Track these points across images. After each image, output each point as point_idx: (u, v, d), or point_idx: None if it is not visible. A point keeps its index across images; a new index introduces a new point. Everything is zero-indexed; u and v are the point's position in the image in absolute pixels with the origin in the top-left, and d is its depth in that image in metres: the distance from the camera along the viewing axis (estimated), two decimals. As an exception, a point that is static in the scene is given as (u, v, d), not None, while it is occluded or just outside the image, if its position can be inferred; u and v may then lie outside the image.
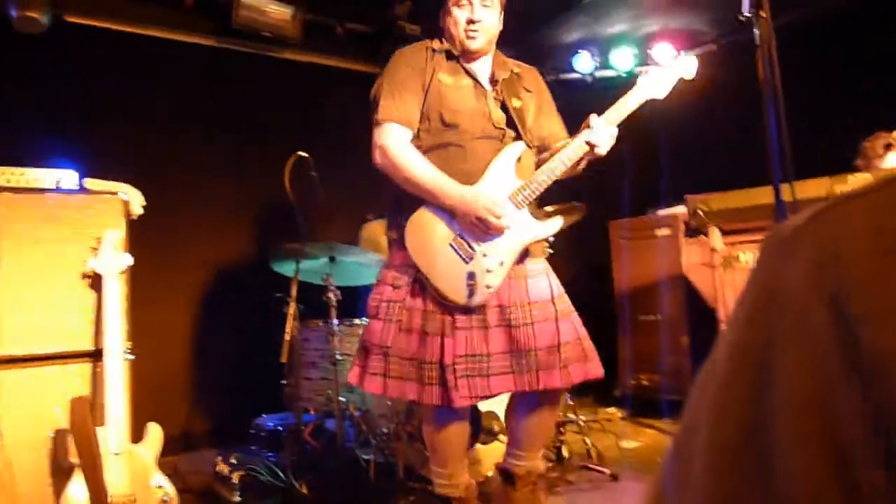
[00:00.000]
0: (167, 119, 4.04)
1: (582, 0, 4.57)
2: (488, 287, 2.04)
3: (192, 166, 4.08)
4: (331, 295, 3.23)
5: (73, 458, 2.42)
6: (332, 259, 3.31)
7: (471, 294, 2.02)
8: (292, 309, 3.07)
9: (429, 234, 2.08)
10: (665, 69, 2.18)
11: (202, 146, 4.13)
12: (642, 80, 2.18)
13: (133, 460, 2.51)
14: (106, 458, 2.40)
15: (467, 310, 2.05)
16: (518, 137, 2.18)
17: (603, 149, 2.09)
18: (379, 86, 2.20)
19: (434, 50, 2.24)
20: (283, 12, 4.19)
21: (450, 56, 2.24)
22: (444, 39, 2.28)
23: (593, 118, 2.12)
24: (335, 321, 3.25)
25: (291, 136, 3.91)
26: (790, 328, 0.34)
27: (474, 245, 2.07)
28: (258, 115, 4.34)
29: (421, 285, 2.08)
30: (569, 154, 2.09)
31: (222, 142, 4.21)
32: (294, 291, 3.07)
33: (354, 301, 4.06)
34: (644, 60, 5.30)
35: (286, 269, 3.31)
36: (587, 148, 2.09)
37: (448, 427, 2.19)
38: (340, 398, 3.20)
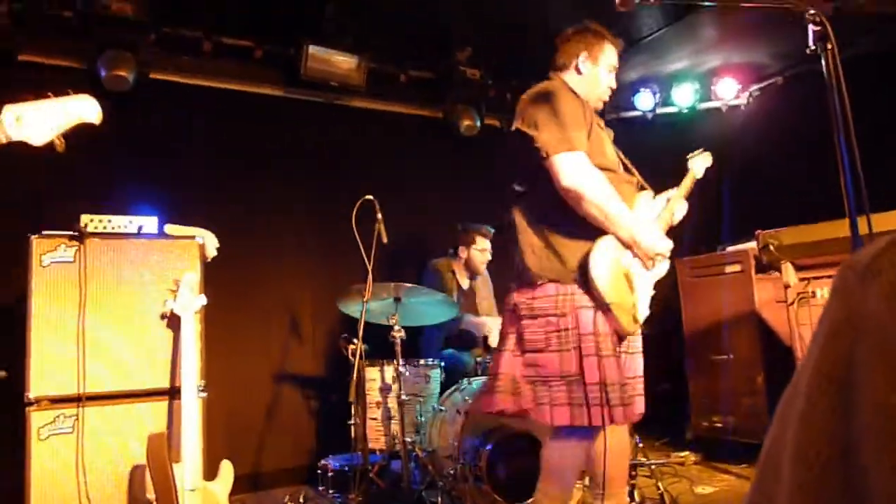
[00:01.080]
0: (241, 166, 4.23)
1: (641, 39, 4.57)
2: (643, 316, 2.27)
3: (264, 211, 4.25)
4: (395, 335, 3.27)
5: (150, 494, 2.50)
6: (397, 300, 3.36)
7: (635, 321, 2.21)
8: (359, 349, 3.11)
9: (610, 263, 2.16)
10: (703, 157, 2.70)
11: (274, 192, 4.30)
12: (692, 163, 2.67)
13: (206, 497, 2.58)
14: (181, 495, 2.47)
15: (623, 336, 2.20)
16: (640, 185, 2.47)
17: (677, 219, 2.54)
18: (545, 115, 2.22)
19: (577, 94, 2.36)
20: (348, 62, 4.36)
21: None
22: (567, 84, 2.40)
23: (671, 192, 2.56)
24: (401, 361, 3.27)
25: (358, 180, 4.03)
26: (873, 348, 0.34)
27: (634, 277, 2.23)
28: (327, 162, 4.50)
29: (587, 311, 2.14)
30: (665, 216, 2.46)
31: (293, 187, 4.37)
32: (361, 332, 3.12)
33: (417, 341, 4.10)
34: (706, 96, 5.25)
35: (353, 309, 3.38)
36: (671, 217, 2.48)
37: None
38: (406, 438, 3.20)
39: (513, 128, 2.31)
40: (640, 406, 2.27)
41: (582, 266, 2.13)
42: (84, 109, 1.75)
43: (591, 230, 2.17)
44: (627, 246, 2.20)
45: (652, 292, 2.37)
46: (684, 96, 5.25)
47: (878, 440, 0.32)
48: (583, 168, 2.14)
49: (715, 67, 5.11)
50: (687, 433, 4.41)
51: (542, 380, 2.17)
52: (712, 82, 5.21)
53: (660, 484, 3.27)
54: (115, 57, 3.68)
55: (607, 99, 2.50)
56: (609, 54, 2.46)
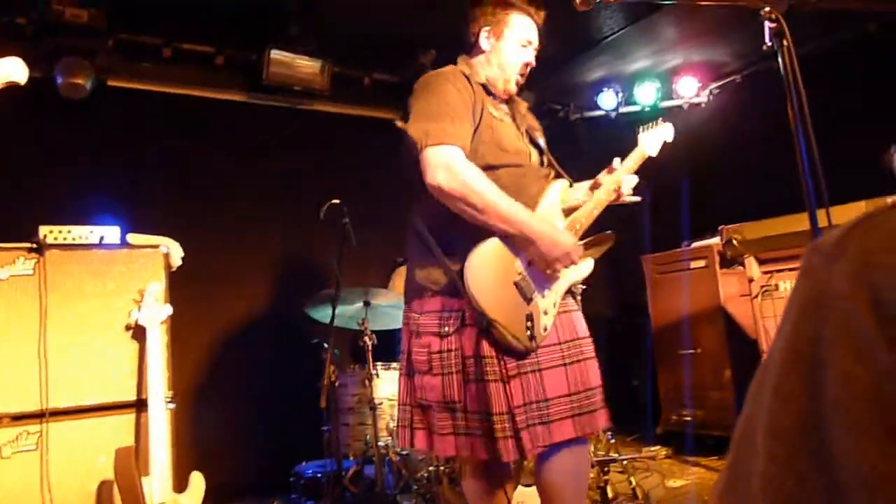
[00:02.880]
0: (204, 173, 4.18)
1: (603, 39, 4.63)
2: (545, 330, 1.89)
3: (229, 217, 4.19)
4: (366, 339, 3.25)
5: (119, 510, 2.44)
6: (366, 304, 3.34)
7: (531, 338, 1.85)
8: (329, 354, 3.09)
9: (494, 271, 1.86)
10: (657, 131, 2.29)
11: (238, 198, 4.25)
12: (641, 137, 2.27)
13: (177, 510, 2.53)
14: (151, 509, 2.42)
15: (521, 354, 1.85)
16: (557, 175, 2.15)
17: (627, 194, 2.17)
18: (421, 106, 1.96)
19: (473, 80, 2.06)
20: (311, 66, 4.33)
21: (486, 91, 2.09)
22: (473, 67, 2.12)
23: (616, 162, 2.17)
24: (373, 365, 3.26)
25: (324, 184, 4.00)
26: (839, 325, 0.35)
27: (534, 285, 1.90)
28: (291, 166, 4.46)
29: (472, 330, 1.85)
30: (601, 196, 2.10)
31: (257, 193, 4.32)
32: (331, 337, 3.10)
33: (389, 345, 4.09)
34: (668, 94, 5.34)
35: (322, 314, 3.35)
36: (616, 191, 2.13)
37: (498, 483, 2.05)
38: (379, 443, 3.19)
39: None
40: (598, 420, 1.92)
41: (460, 275, 1.83)
42: (10, 69, 1.70)
43: (482, 234, 1.87)
44: (521, 248, 1.89)
45: (563, 298, 2.00)
46: (646, 95, 5.33)
47: (844, 412, 0.34)
48: (452, 163, 1.84)
49: (676, 66, 5.20)
50: (657, 428, 4.48)
51: (426, 405, 1.93)
52: (673, 81, 5.30)
53: (632, 479, 3.31)
54: (72, 64, 3.61)
55: (521, 79, 2.16)
56: (517, 26, 2.13)
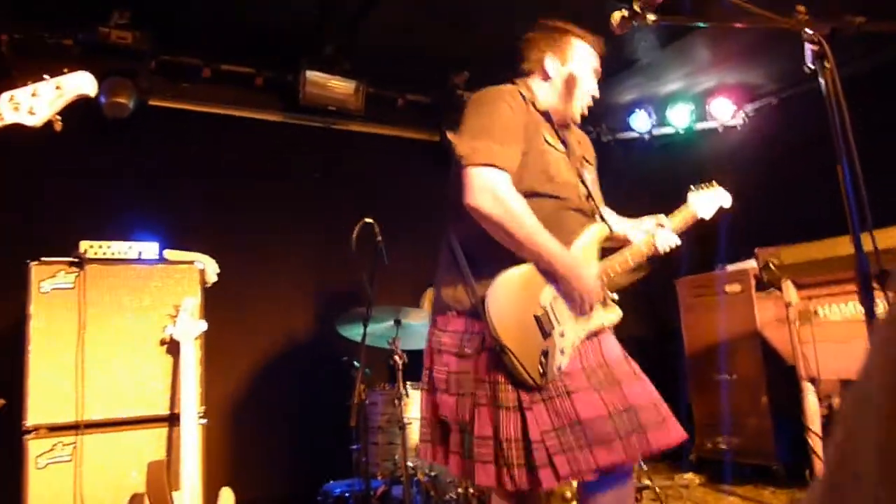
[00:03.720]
0: (240, 191, 4.25)
1: (636, 60, 4.62)
2: (558, 369, 1.83)
3: (263, 235, 4.25)
4: (397, 358, 3.24)
5: (150, 523, 2.46)
6: (397, 322, 3.34)
7: (543, 374, 1.79)
8: (360, 373, 3.09)
9: (516, 300, 1.83)
10: (711, 194, 2.29)
11: (273, 216, 4.31)
12: (692, 197, 2.26)
13: (206, 525, 2.54)
14: (181, 523, 2.43)
15: (530, 388, 1.80)
16: (601, 217, 2.10)
17: (662, 249, 2.11)
18: (473, 122, 1.93)
19: (533, 105, 2.02)
20: (346, 87, 4.40)
21: (546, 119, 2.04)
22: (532, 91, 2.08)
23: (663, 219, 2.17)
24: (403, 385, 3.25)
25: (357, 203, 4.03)
26: None
27: (555, 321, 1.85)
28: (326, 186, 4.51)
29: (491, 355, 1.82)
30: (642, 249, 2.06)
31: (292, 211, 4.38)
32: (362, 355, 3.09)
33: (420, 364, 4.07)
34: (702, 116, 5.29)
35: (353, 332, 3.36)
36: (653, 247, 2.08)
37: None
38: (408, 463, 3.16)
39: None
40: (652, 439, 1.81)
41: (483, 299, 1.80)
42: (80, 83, 1.75)
43: (514, 260, 1.83)
44: (553, 280, 1.85)
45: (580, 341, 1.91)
46: (680, 117, 5.29)
47: None
48: (494, 187, 1.80)
49: (710, 88, 5.16)
50: (691, 455, 4.38)
51: (445, 422, 1.91)
52: (707, 103, 5.25)
53: (665, 507, 3.23)
54: (115, 84, 3.71)
55: (585, 107, 2.13)
56: (582, 54, 2.10)
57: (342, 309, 3.42)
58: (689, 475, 4.10)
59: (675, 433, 1.86)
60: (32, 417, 2.63)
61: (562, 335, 1.85)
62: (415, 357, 3.66)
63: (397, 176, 4.73)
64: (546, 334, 1.83)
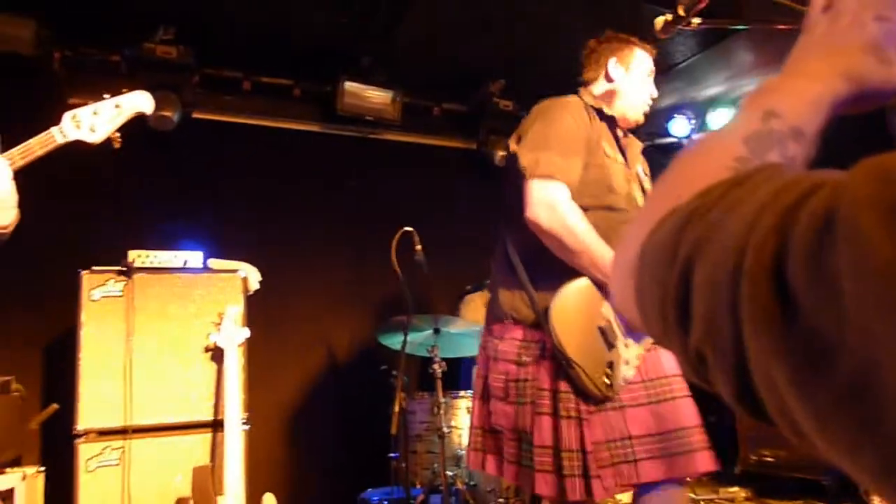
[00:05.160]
0: (281, 200, 4.31)
1: (676, 65, 4.57)
2: (624, 381, 1.83)
3: (303, 243, 4.30)
4: (436, 367, 3.25)
5: (195, 528, 2.50)
6: (436, 331, 3.35)
7: (608, 386, 1.80)
8: (399, 381, 3.10)
9: (580, 313, 1.83)
10: None
11: (313, 225, 4.37)
12: None
13: (250, 531, 2.57)
14: (225, 528, 2.47)
15: (596, 400, 1.81)
16: None
17: None
18: (536, 132, 1.94)
19: (596, 111, 2.04)
20: (383, 97, 4.44)
21: (611, 125, 2.05)
22: (597, 100, 2.09)
23: None
24: (442, 393, 3.25)
25: (395, 212, 4.05)
26: None
27: (619, 332, 1.85)
28: (364, 195, 4.55)
29: (552, 364, 1.84)
30: None
31: (331, 220, 4.43)
32: (402, 364, 3.10)
33: (458, 373, 4.07)
34: (743, 121, 5.19)
35: (392, 341, 3.38)
36: None
37: None
38: (447, 472, 3.16)
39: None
40: (696, 462, 1.79)
41: (546, 311, 1.81)
42: (138, 102, 1.82)
43: (575, 272, 1.85)
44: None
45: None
46: (721, 122, 5.20)
47: None
48: (555, 202, 1.81)
49: (751, 92, 5.06)
50: (735, 467, 4.27)
51: (499, 431, 1.91)
52: (749, 107, 5.15)
53: (710, 519, 3.16)
54: (161, 98, 3.80)
55: (647, 110, 2.18)
56: (641, 59, 2.15)
57: (381, 318, 3.44)
58: (734, 488, 4.00)
59: (714, 460, 1.84)
60: (83, 422, 2.70)
61: (626, 346, 1.85)
62: (452, 365, 3.67)
63: (434, 184, 4.74)
64: (610, 346, 1.83)
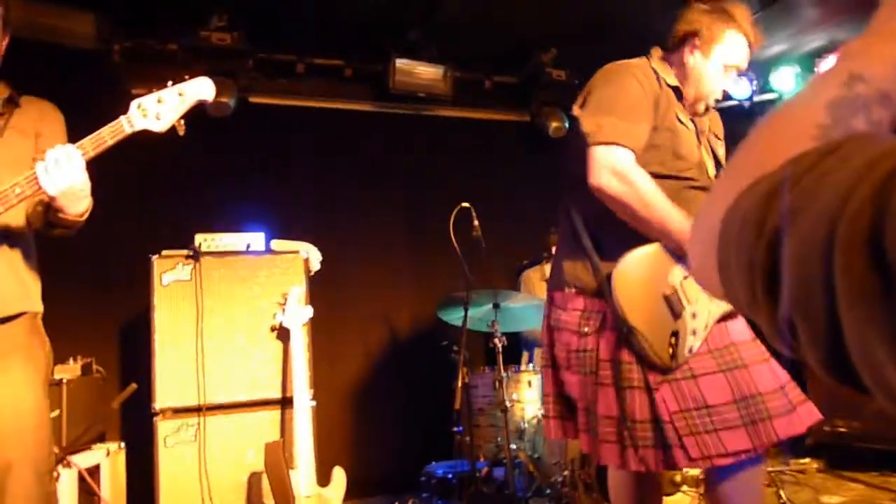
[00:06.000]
0: (338, 181, 4.37)
1: (736, 25, 4.38)
2: (690, 352, 1.77)
3: (362, 222, 4.36)
4: (497, 341, 3.25)
5: (268, 500, 2.59)
6: (496, 306, 3.35)
7: (672, 356, 1.75)
8: (462, 356, 3.12)
9: (645, 280, 1.78)
10: None
11: (371, 204, 4.41)
12: None
13: (321, 503, 2.64)
14: (297, 501, 2.55)
15: (659, 369, 1.77)
16: None
17: None
18: (600, 97, 1.88)
19: (665, 81, 1.94)
20: (434, 73, 4.41)
21: (679, 96, 1.96)
22: (667, 69, 1.98)
23: None
24: (504, 368, 3.25)
25: (451, 187, 4.06)
26: None
27: (686, 302, 1.79)
28: (419, 172, 4.56)
29: (614, 334, 1.80)
30: None
31: (390, 199, 4.47)
32: (464, 339, 3.12)
33: (518, 347, 4.07)
34: (808, 79, 4.96)
35: (451, 317, 3.40)
36: None
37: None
38: (511, 445, 3.18)
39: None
40: (779, 426, 1.71)
41: (608, 277, 1.78)
42: (201, 89, 1.85)
43: (640, 238, 1.78)
44: (682, 259, 1.77)
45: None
46: (785, 81, 4.98)
47: None
48: (620, 167, 1.75)
49: (818, 48, 4.82)
50: (807, 438, 4.15)
51: (570, 398, 1.91)
52: (816, 64, 4.91)
53: (781, 493, 3.09)
54: (218, 84, 3.85)
55: (712, 103, 1.99)
56: (730, 46, 1.92)
57: (439, 294, 3.46)
58: (807, 460, 3.90)
59: (806, 419, 1.77)
60: (160, 401, 2.82)
61: (693, 316, 1.79)
62: (512, 340, 3.67)
63: (489, 158, 4.71)
64: (676, 315, 1.77)
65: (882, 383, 0.37)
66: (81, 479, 2.67)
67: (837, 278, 0.37)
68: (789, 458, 3.93)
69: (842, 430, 3.95)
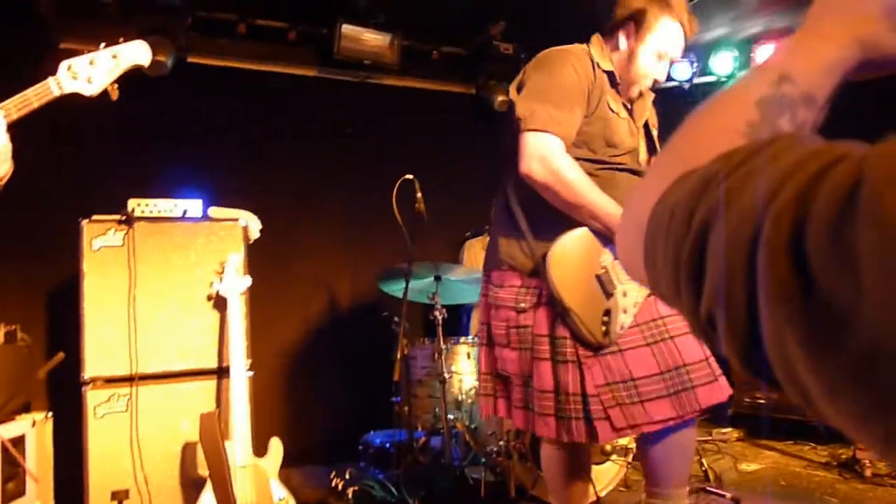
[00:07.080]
0: (279, 147, 4.27)
1: (680, 7, 4.45)
2: (621, 328, 1.85)
3: (303, 191, 4.28)
4: (437, 313, 3.28)
5: (202, 471, 2.57)
6: (437, 278, 3.37)
7: (605, 333, 1.83)
8: (402, 328, 3.14)
9: (577, 261, 1.84)
10: None
11: (312, 172, 4.33)
12: None
13: (257, 473, 2.64)
14: (233, 471, 2.53)
15: (593, 347, 1.83)
16: None
17: None
18: (535, 83, 1.90)
19: (599, 66, 1.96)
20: (381, 40, 4.33)
21: (612, 81, 1.98)
22: (605, 54, 2.00)
23: None
24: (443, 340, 3.29)
25: (394, 158, 4.03)
26: None
27: (617, 281, 1.86)
28: (362, 141, 4.50)
29: (549, 309, 1.87)
30: None
31: (331, 167, 4.39)
32: (404, 310, 3.14)
33: (458, 319, 4.12)
34: (747, 64, 5.11)
35: (393, 288, 3.40)
36: None
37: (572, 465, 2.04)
38: (448, 415, 3.23)
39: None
40: (700, 396, 1.80)
41: (543, 259, 1.83)
42: (135, 53, 1.78)
43: (574, 221, 1.84)
44: (610, 242, 1.84)
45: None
46: (723, 65, 5.11)
47: None
48: (548, 154, 1.79)
49: (755, 34, 4.96)
50: (729, 409, 4.37)
51: (506, 376, 1.96)
52: (752, 50, 5.05)
53: (703, 461, 3.26)
54: (154, 42, 3.69)
55: (646, 91, 2.03)
56: (664, 34, 1.94)
57: (381, 265, 3.45)
58: (728, 429, 4.11)
59: (727, 388, 1.87)
60: (90, 370, 2.74)
61: (624, 294, 1.87)
62: (452, 312, 3.71)
63: (433, 130, 4.69)
64: (608, 294, 1.85)
65: (793, 380, 0.39)
66: (5, 450, 2.58)
67: (760, 278, 0.38)
68: (712, 428, 4.14)
69: (761, 401, 4.18)
